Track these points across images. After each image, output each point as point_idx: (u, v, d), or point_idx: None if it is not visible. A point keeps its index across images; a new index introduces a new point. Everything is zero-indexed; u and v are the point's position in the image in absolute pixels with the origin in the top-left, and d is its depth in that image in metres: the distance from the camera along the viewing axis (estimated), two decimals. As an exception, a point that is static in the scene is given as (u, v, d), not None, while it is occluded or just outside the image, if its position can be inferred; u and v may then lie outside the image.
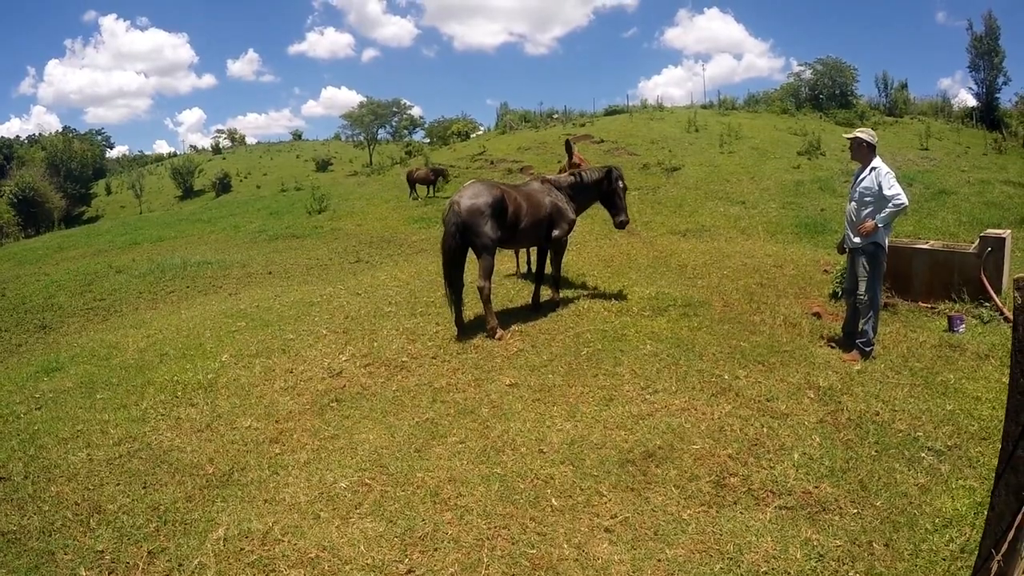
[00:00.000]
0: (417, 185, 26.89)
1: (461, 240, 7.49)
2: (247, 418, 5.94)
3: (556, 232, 8.33)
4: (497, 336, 7.48)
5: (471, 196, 7.51)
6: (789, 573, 3.65)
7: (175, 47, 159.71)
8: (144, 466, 5.16)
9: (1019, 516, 1.80)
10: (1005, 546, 1.81)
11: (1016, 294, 1.85)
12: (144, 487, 4.85)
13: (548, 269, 8.76)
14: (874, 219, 6.53)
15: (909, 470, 4.67)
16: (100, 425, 5.98)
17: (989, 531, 1.93)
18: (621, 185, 8.69)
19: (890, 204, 6.45)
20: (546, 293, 8.79)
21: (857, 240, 6.70)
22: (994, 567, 1.67)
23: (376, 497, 4.52)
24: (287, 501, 4.56)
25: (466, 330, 7.66)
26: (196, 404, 6.33)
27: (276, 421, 5.84)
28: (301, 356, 7.32)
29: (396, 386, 6.37)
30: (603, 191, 8.68)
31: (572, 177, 8.67)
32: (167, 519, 4.41)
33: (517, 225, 7.83)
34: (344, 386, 6.45)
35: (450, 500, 4.42)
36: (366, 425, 5.61)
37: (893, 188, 6.46)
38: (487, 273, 7.52)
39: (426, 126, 59.68)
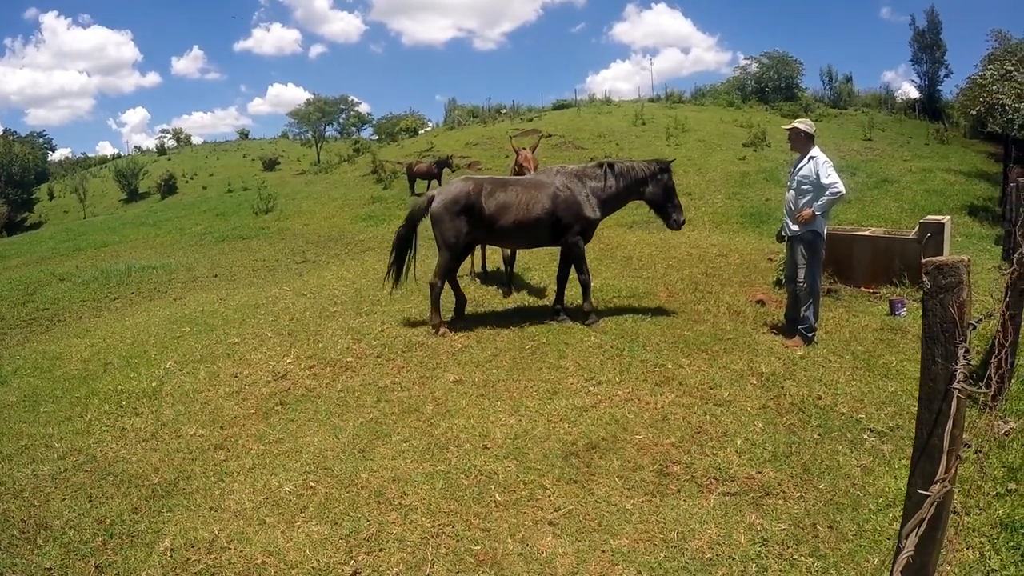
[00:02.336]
0: (418, 180, 23.99)
1: (411, 229, 7.67)
2: (192, 425, 5.84)
3: (566, 232, 7.52)
4: (440, 332, 7.43)
5: (442, 191, 7.57)
6: (734, 558, 3.69)
7: (118, 45, 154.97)
8: (90, 479, 5.05)
9: (930, 505, 1.81)
10: (916, 537, 1.83)
11: (925, 278, 1.86)
12: (90, 501, 4.75)
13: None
14: (812, 207, 6.65)
15: (852, 452, 4.77)
16: (44, 439, 5.83)
17: (907, 518, 1.95)
18: (671, 182, 7.67)
19: (827, 192, 6.57)
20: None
21: (796, 228, 6.82)
22: (902, 561, 1.69)
23: (321, 500, 4.48)
24: (232, 508, 4.50)
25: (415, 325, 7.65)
26: (141, 413, 6.21)
27: (221, 427, 5.76)
28: (246, 360, 7.22)
29: (341, 387, 6.33)
30: (652, 189, 7.62)
31: (600, 169, 7.66)
32: (114, 532, 4.32)
33: (496, 222, 7.40)
34: (289, 388, 6.39)
35: (394, 500, 4.40)
36: (311, 427, 5.56)
37: (831, 177, 6.57)
38: (442, 271, 7.51)
39: (374, 123, 59.22)
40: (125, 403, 6.48)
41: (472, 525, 4.09)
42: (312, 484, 4.67)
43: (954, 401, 1.70)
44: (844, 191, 6.64)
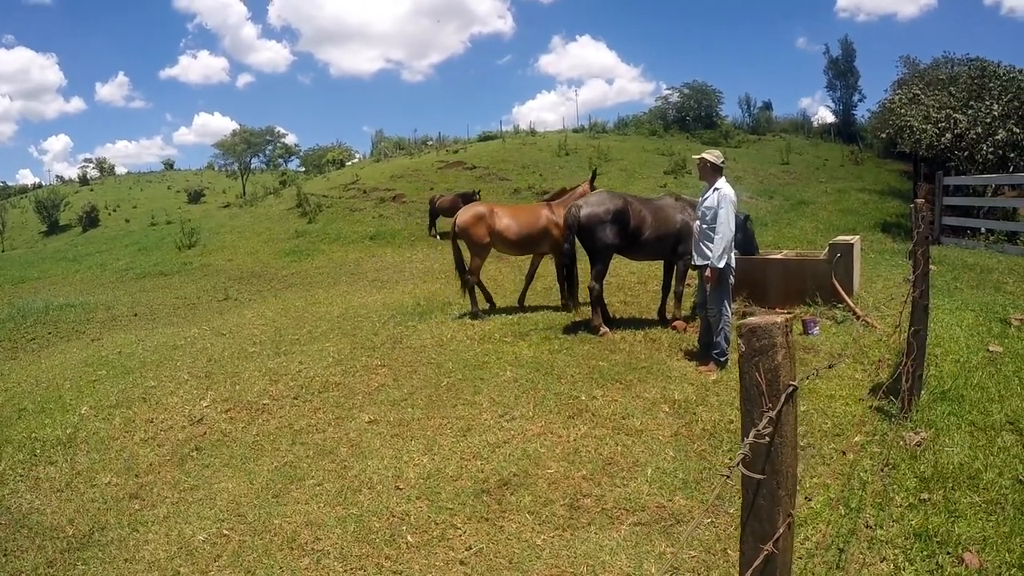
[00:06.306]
0: (441, 216, 21.53)
1: (575, 242, 8.44)
2: (107, 474, 5.76)
3: (682, 250, 8.53)
4: (601, 333, 8.30)
5: (591, 204, 8.30)
6: (643, 588, 3.74)
7: (43, 68, 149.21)
8: (3, 532, 4.99)
9: (758, 563, 1.86)
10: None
11: (740, 341, 1.86)
12: (5, 554, 4.70)
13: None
14: (711, 259, 6.95)
15: (763, 474, 4.87)
16: (-43, 491, 5.67)
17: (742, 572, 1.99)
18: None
19: (716, 236, 6.85)
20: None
21: (708, 253, 7.00)
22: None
23: (234, 548, 4.45)
24: (147, 559, 4.46)
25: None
26: (55, 462, 6.10)
27: (136, 475, 5.69)
28: (162, 404, 7.11)
29: (256, 430, 6.29)
30: (739, 234, 8.86)
31: None
32: (29, 587, 4.24)
33: (639, 236, 8.34)
34: (205, 433, 6.32)
35: (307, 545, 4.39)
36: (226, 473, 5.52)
37: (723, 222, 6.86)
38: (599, 276, 8.37)
39: (301, 154, 58.62)
40: (39, 451, 6.35)
41: (384, 568, 4.10)
42: (226, 532, 4.65)
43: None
44: (730, 234, 6.94)
